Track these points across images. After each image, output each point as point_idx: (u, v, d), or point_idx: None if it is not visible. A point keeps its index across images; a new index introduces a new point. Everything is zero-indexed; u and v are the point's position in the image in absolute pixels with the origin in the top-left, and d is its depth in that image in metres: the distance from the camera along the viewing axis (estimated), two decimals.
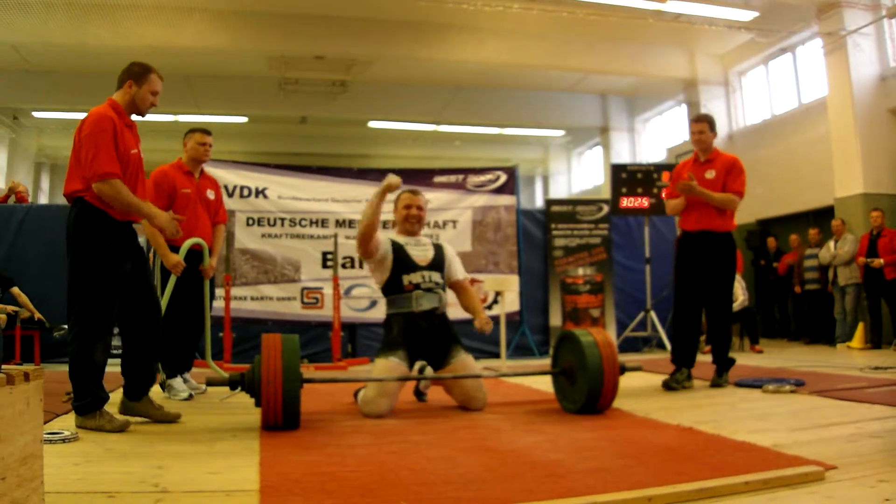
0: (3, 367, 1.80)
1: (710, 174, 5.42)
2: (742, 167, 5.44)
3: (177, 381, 5.15)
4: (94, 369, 3.70)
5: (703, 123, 5.54)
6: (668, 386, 5.29)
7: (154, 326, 4.00)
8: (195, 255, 5.18)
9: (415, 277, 4.51)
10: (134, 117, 3.92)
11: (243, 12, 11.29)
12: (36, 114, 15.43)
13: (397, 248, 4.59)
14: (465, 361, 4.47)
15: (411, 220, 4.70)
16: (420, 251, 4.63)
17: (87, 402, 3.65)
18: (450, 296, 4.72)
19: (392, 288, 4.56)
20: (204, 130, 5.32)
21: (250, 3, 11.08)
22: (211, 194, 5.42)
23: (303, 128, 17.44)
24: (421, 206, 4.75)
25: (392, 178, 4.28)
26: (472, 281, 7.44)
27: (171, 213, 4.07)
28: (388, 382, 4.20)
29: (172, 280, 4.94)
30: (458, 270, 4.79)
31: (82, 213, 3.70)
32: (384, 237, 4.63)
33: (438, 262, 4.65)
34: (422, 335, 4.45)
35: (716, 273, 5.44)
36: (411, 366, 4.40)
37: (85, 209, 3.70)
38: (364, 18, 11.64)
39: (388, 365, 4.30)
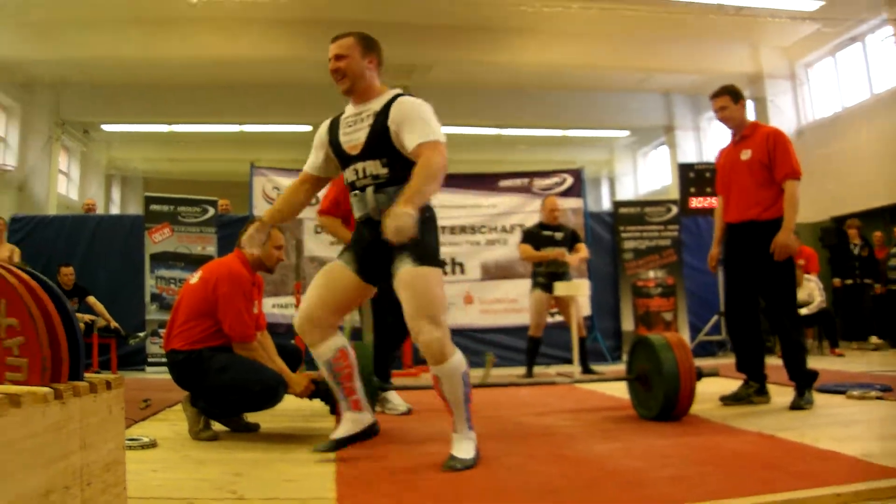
0: (85, 375, 1.83)
1: (745, 155, 4.58)
2: (785, 138, 4.54)
3: (393, 395, 4.73)
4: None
5: (723, 97, 4.65)
6: (726, 401, 4.62)
7: None
8: None
9: (349, 174, 3.19)
10: None
11: (302, 21, 11.46)
12: (105, 127, 15.92)
13: (333, 135, 3.27)
14: (402, 277, 2.97)
15: (334, 78, 3.20)
16: (350, 135, 3.17)
17: (216, 411, 3.74)
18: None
19: None
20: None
21: (309, 11, 11.23)
22: None
23: None
24: (341, 54, 3.16)
25: None
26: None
27: (306, 377, 3.82)
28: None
29: None
30: (408, 138, 3.04)
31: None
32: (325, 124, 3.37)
33: (375, 145, 3.08)
34: (364, 247, 3.15)
35: (768, 270, 4.51)
36: (360, 271, 3.14)
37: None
38: (423, 24, 11.72)
39: (328, 266, 3.25)
